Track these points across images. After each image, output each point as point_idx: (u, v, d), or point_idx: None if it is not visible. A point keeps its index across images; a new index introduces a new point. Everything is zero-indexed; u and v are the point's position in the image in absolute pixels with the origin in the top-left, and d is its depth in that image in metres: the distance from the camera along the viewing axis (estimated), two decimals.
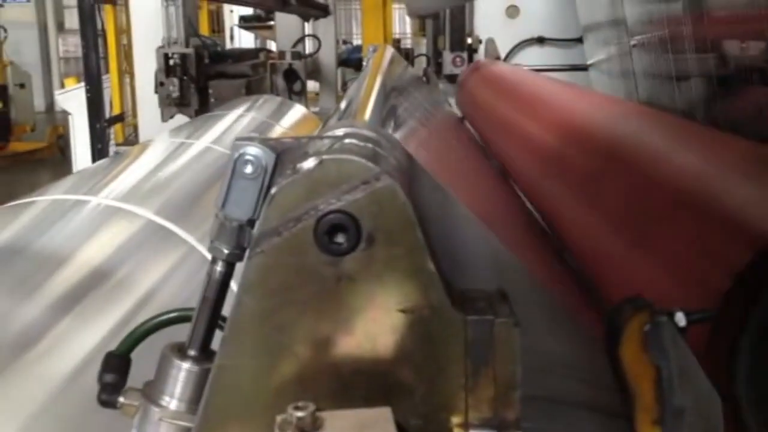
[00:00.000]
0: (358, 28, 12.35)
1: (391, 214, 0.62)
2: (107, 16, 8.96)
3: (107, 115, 8.13)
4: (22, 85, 12.11)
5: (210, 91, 6.26)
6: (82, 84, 8.77)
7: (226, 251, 0.72)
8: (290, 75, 6.60)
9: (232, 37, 11.61)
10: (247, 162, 0.69)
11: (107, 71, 9.10)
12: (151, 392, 0.77)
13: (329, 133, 0.72)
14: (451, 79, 6.53)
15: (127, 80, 9.12)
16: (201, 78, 6.18)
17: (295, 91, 6.57)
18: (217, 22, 11.87)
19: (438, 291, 0.64)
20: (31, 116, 12.43)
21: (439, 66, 7.24)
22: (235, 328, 0.64)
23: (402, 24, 14.06)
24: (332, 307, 0.63)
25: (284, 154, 0.69)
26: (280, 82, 6.64)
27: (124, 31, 9.07)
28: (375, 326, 0.64)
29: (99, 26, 8.61)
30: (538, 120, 2.77)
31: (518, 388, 0.65)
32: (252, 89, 6.52)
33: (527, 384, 0.65)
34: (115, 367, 0.84)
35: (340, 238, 0.62)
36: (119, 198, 1.77)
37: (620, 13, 4.42)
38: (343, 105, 1.53)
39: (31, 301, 1.26)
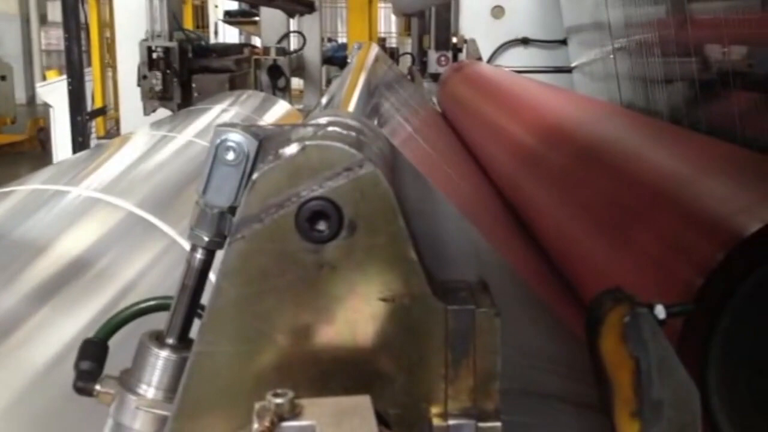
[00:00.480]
0: (344, 26, 12.33)
1: (374, 201, 0.61)
2: (90, 9, 8.90)
3: (89, 108, 8.08)
4: (3, 77, 12.01)
5: (193, 85, 6.22)
6: (64, 77, 8.72)
7: (206, 239, 0.71)
8: (274, 71, 6.57)
9: (216, 32, 11.57)
10: (228, 148, 0.68)
11: (89, 64, 9.04)
12: (128, 380, 0.76)
13: (313, 121, 0.71)
14: (436, 77, 6.53)
15: (110, 73, 9.06)
16: (184, 72, 6.15)
17: (279, 88, 6.55)
18: (201, 16, 11.81)
19: (419, 280, 0.64)
20: (11, 108, 12.32)
21: (424, 65, 7.25)
22: (214, 314, 0.64)
23: (387, 23, 14.06)
24: (313, 294, 0.63)
25: (267, 141, 0.68)
26: (264, 78, 6.61)
27: (107, 24, 9.01)
28: (355, 315, 0.64)
29: (82, 19, 8.56)
30: (514, 118, 2.79)
31: (498, 379, 0.65)
32: (236, 84, 6.49)
33: (505, 376, 0.65)
34: (92, 354, 0.82)
35: (322, 226, 0.61)
36: (100, 189, 1.76)
37: (603, 15, 4.44)
38: (325, 99, 1.53)
39: (9, 290, 1.25)
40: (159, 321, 0.80)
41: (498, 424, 0.65)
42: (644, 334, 0.68)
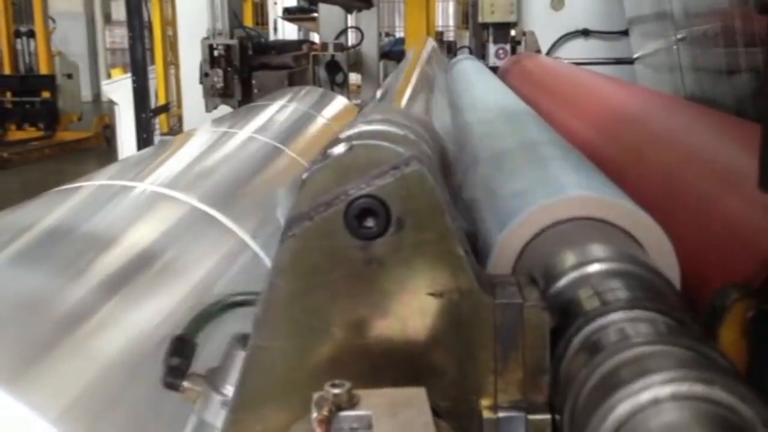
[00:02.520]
0: (401, 20, 12.34)
1: (420, 198, 0.62)
2: (153, 8, 9.07)
3: (152, 105, 8.24)
4: (69, 76, 12.31)
5: (253, 82, 6.30)
6: (129, 74, 8.91)
7: None
8: (332, 67, 6.61)
9: (275, 29, 11.67)
10: None
11: (153, 62, 9.22)
12: (215, 379, 0.78)
13: (361, 120, 0.72)
14: (494, 71, 6.50)
15: (172, 71, 9.23)
16: (245, 69, 6.23)
17: (337, 83, 6.58)
18: (261, 14, 11.94)
19: (467, 275, 0.64)
20: (78, 106, 12.62)
21: (482, 58, 7.20)
22: (268, 310, 0.65)
23: (445, 16, 14.02)
24: (362, 290, 0.64)
25: (361, 139, 0.68)
26: (322, 73, 6.65)
27: (169, 22, 9.18)
28: (404, 309, 0.65)
29: (145, 17, 8.74)
30: (574, 111, 2.75)
31: (547, 372, 0.66)
32: (294, 80, 6.55)
33: None
34: (181, 350, 0.84)
35: (370, 223, 0.62)
36: (164, 184, 1.80)
37: (666, 5, 4.35)
38: (379, 94, 1.54)
39: (79, 282, 1.29)
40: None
41: (548, 416, 0.66)
42: (766, 332, 0.68)
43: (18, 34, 12.10)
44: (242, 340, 0.78)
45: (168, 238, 1.56)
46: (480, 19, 6.87)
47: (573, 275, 0.78)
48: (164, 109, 8.50)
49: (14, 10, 12.20)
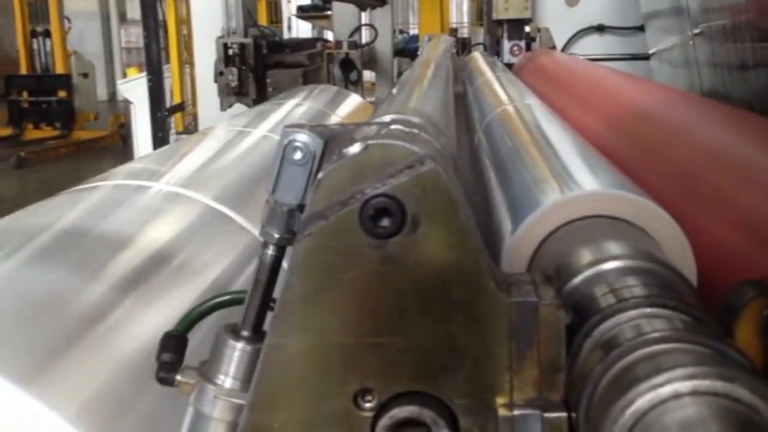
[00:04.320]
0: (415, 17, 12.32)
1: (436, 197, 0.63)
2: (168, 7, 9.11)
3: (168, 104, 8.27)
4: (85, 75, 12.37)
5: (268, 80, 6.31)
6: (144, 73, 8.94)
7: (276, 235, 0.74)
8: (347, 64, 6.60)
9: (289, 27, 11.68)
10: (296, 148, 0.71)
11: (168, 61, 9.25)
12: (207, 371, 0.79)
13: (376, 120, 0.74)
14: (509, 68, 6.48)
15: (187, 70, 9.26)
16: (259, 67, 6.23)
17: (351, 81, 6.56)
18: (275, 12, 11.96)
19: (483, 273, 0.65)
20: (94, 105, 12.69)
21: (497, 55, 7.19)
22: (284, 308, 0.66)
23: (459, 13, 13.98)
24: (377, 288, 0.64)
25: (332, 140, 0.70)
26: (336, 71, 6.64)
27: (184, 21, 9.21)
28: (419, 307, 0.65)
29: (160, 17, 8.77)
30: (589, 108, 2.74)
31: (563, 370, 0.66)
32: (309, 79, 6.55)
33: None
34: (173, 346, 0.86)
35: (385, 222, 0.63)
36: (179, 184, 1.81)
37: (683, 0, 4.33)
38: (394, 92, 1.54)
39: (96, 281, 1.30)
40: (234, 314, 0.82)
41: (564, 414, 0.66)
42: None
43: (34, 34, 12.18)
44: (230, 330, 0.79)
45: (184, 237, 1.57)
46: (494, 16, 6.86)
47: (588, 273, 0.78)
48: (179, 108, 8.54)
49: (30, 10, 12.27)
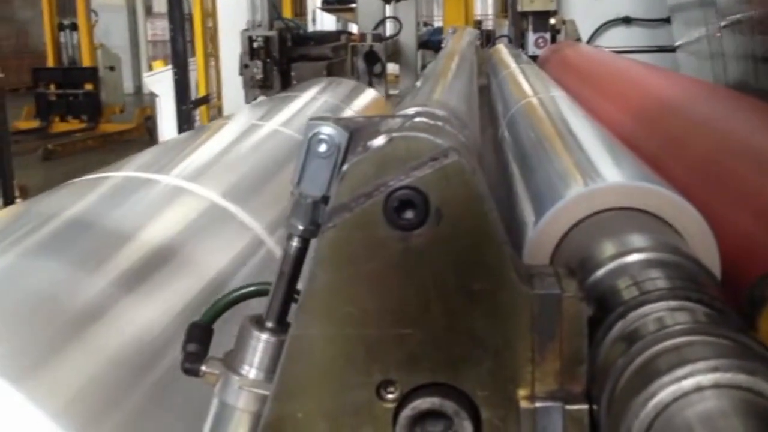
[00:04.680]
0: (440, 9, 12.27)
1: (459, 189, 0.63)
2: (194, 0, 9.14)
3: (193, 97, 8.32)
4: (111, 68, 12.45)
5: (292, 73, 6.32)
6: (170, 67, 8.99)
7: (300, 227, 0.74)
8: (371, 57, 6.59)
9: (314, 20, 11.69)
10: (321, 141, 0.71)
11: (193, 54, 9.29)
12: (232, 362, 0.79)
13: (401, 112, 0.74)
14: (534, 60, 6.45)
15: (213, 63, 9.29)
16: (284, 60, 6.24)
17: (375, 74, 6.56)
18: (299, 5, 11.97)
19: (505, 265, 0.65)
20: (120, 98, 12.78)
21: (521, 47, 7.15)
22: (308, 299, 0.67)
23: (484, 5, 13.91)
24: (401, 280, 0.65)
25: (357, 132, 0.71)
26: (360, 64, 6.64)
27: (209, 14, 9.24)
28: (442, 299, 0.65)
29: (186, 10, 8.81)
30: (615, 100, 2.72)
31: (584, 362, 0.66)
32: (333, 71, 6.55)
33: None
34: (198, 337, 0.86)
35: (409, 214, 0.63)
36: (186, 177, 1.81)
37: None
38: (418, 84, 1.54)
39: (91, 276, 1.30)
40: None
41: (585, 406, 0.66)
42: None
43: (61, 27, 12.27)
44: (254, 321, 0.79)
45: (183, 233, 1.56)
46: (519, 8, 6.82)
47: (611, 265, 0.78)
48: (204, 100, 8.57)
49: (57, 4, 12.37)
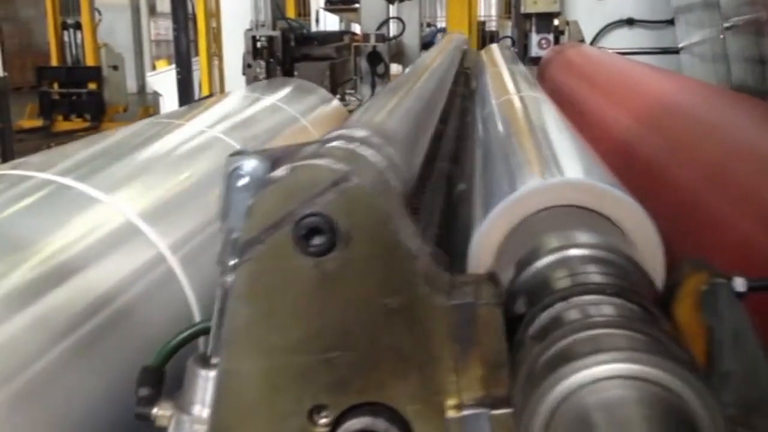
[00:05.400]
0: (443, 10, 12.24)
1: (364, 211, 0.64)
2: (197, 0, 9.13)
3: (196, 96, 8.30)
4: (115, 67, 12.45)
5: (296, 73, 6.31)
6: (173, 66, 8.99)
7: (232, 263, 0.74)
8: (374, 57, 6.58)
9: (317, 20, 11.67)
10: (241, 176, 0.73)
11: (197, 54, 9.29)
12: (182, 402, 0.81)
13: (325, 137, 0.76)
14: (536, 61, 6.40)
15: (216, 62, 9.29)
16: (287, 60, 6.25)
17: (378, 74, 6.56)
18: (303, 5, 11.95)
19: (418, 280, 0.66)
20: (123, 97, 12.77)
21: (524, 48, 7.11)
22: (232, 334, 0.67)
23: (487, 6, 13.86)
24: (320, 305, 0.66)
25: (277, 162, 0.72)
26: (363, 64, 6.64)
27: (213, 14, 9.24)
28: (363, 320, 0.67)
29: (189, 10, 8.81)
30: (618, 103, 2.68)
31: (506, 365, 0.67)
32: (336, 71, 6.54)
33: None
34: (150, 380, 0.87)
35: (318, 240, 0.64)
36: (79, 178, 1.54)
37: None
38: (369, 103, 1.50)
39: None
40: None
41: (510, 410, 0.66)
42: (719, 305, 0.68)
43: (65, 26, 12.28)
44: (200, 359, 0.80)
45: (69, 235, 1.37)
46: (522, 9, 6.77)
47: (539, 263, 0.79)
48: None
49: (61, 3, 12.37)
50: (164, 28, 16.73)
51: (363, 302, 0.66)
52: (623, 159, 2.22)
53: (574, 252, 0.79)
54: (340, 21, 10.84)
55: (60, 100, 11.94)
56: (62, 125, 11.99)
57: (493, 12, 13.82)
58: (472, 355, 0.67)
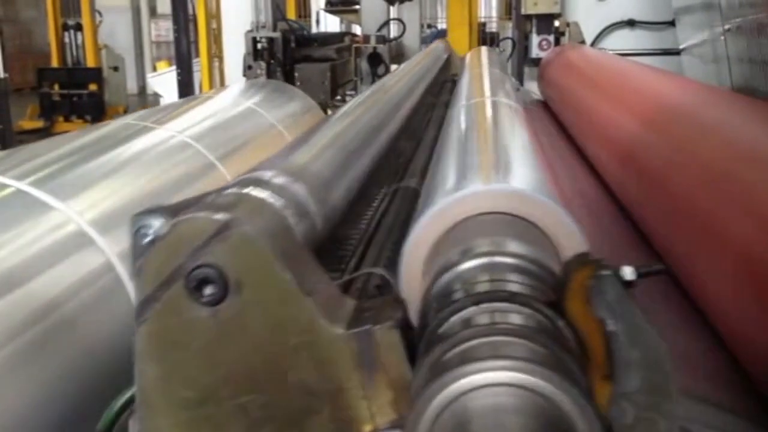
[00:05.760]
0: (443, 11, 12.26)
1: (251, 256, 0.65)
2: (198, 1, 9.15)
3: None
4: (115, 68, 12.45)
5: (296, 74, 6.33)
6: (173, 67, 9.00)
7: None
8: (374, 59, 6.60)
9: (318, 22, 11.68)
10: (145, 234, 0.72)
11: (197, 55, 9.30)
12: None
13: (230, 182, 0.78)
14: (537, 62, 6.43)
15: (216, 64, 9.30)
16: (288, 61, 6.26)
17: (379, 75, 6.57)
18: (303, 6, 11.96)
19: (314, 315, 0.67)
20: (123, 98, 12.76)
21: (525, 49, 7.14)
22: (144, 393, 0.67)
23: (488, 7, 13.87)
24: (224, 353, 0.66)
25: (183, 214, 0.72)
26: (364, 65, 6.66)
27: (213, 15, 9.25)
28: (267, 361, 0.67)
29: (190, 11, 8.82)
30: (619, 104, 2.71)
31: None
32: (337, 72, 6.56)
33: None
34: None
35: (210, 290, 0.65)
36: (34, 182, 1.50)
37: None
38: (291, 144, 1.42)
39: None
40: None
41: None
42: (608, 297, 0.67)
43: (66, 28, 12.28)
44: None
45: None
46: (523, 11, 6.81)
47: (452, 271, 0.79)
48: None
49: (62, 4, 12.37)
50: (165, 29, 16.71)
51: (265, 344, 0.66)
52: (624, 160, 2.24)
53: (473, 263, 0.79)
54: (341, 22, 10.86)
55: (60, 101, 11.94)
56: (63, 126, 11.98)
57: (494, 13, 13.82)
58: (378, 380, 0.68)
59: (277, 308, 0.66)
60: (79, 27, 12.21)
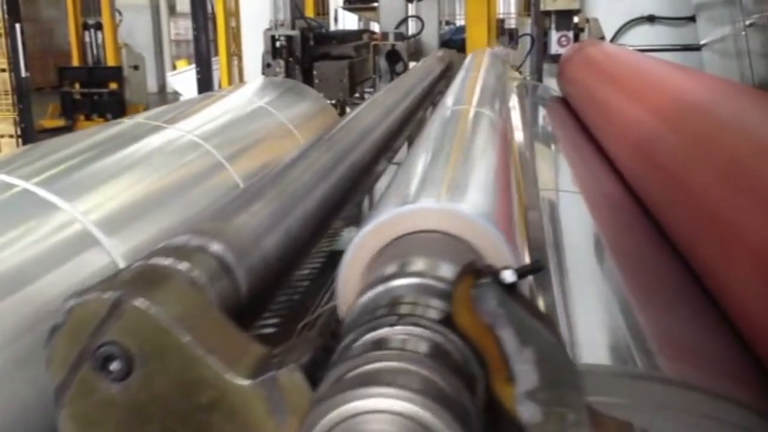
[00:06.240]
0: (462, 8, 12.24)
1: (148, 327, 0.66)
2: (217, 0, 9.19)
3: None
4: (135, 67, 12.53)
5: (314, 72, 6.36)
6: (193, 66, 9.06)
7: None
8: (393, 56, 6.61)
9: (336, 19, 11.70)
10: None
11: (216, 53, 9.35)
12: None
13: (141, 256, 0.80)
14: (556, 59, 6.41)
15: (235, 62, 9.34)
16: (306, 59, 6.29)
17: (397, 72, 6.58)
18: (322, 4, 11.98)
19: (218, 372, 0.68)
20: (144, 97, 12.84)
21: (544, 46, 7.11)
22: None
23: (506, 3, 13.83)
24: (142, 423, 0.67)
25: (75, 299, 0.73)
26: (382, 63, 6.67)
27: (232, 14, 9.29)
28: (184, 424, 0.67)
29: (209, 9, 8.87)
30: (639, 100, 2.69)
31: None
32: (355, 70, 6.58)
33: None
34: None
35: (116, 365, 0.66)
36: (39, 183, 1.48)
37: None
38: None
39: None
40: None
41: None
42: (491, 303, 0.68)
43: (86, 27, 12.37)
44: None
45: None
46: (542, 7, 6.79)
47: (369, 293, 0.78)
48: None
49: (82, 3, 12.47)
50: (184, 27, 16.79)
51: (179, 407, 0.67)
52: (644, 157, 2.22)
53: (399, 282, 0.78)
54: (359, 20, 10.88)
55: (81, 99, 12.04)
56: (84, 125, 12.08)
57: (513, 9, 13.76)
58: (291, 423, 0.69)
59: (183, 372, 0.67)
60: (99, 26, 12.30)
